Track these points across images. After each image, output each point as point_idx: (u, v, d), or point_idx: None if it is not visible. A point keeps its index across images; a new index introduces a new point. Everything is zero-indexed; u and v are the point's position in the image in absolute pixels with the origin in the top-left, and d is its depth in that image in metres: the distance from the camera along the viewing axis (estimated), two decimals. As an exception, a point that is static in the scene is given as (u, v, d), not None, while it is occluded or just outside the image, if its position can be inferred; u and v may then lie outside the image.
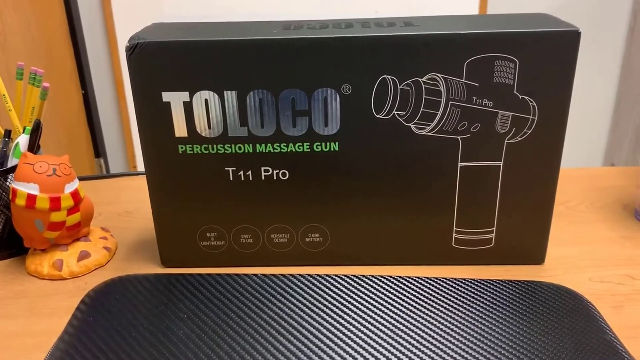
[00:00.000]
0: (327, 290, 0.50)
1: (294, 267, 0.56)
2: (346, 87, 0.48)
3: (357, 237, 0.54)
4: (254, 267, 0.56)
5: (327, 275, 0.52)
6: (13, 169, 0.56)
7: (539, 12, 0.53)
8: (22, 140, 0.58)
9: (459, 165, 0.51)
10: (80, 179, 0.75)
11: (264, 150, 0.51)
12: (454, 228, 0.54)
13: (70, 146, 1.60)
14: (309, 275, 0.52)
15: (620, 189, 0.72)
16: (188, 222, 0.54)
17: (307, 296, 0.49)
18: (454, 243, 0.54)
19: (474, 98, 0.48)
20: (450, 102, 0.48)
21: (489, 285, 0.50)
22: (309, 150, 0.50)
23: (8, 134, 0.59)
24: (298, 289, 0.50)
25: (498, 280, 0.51)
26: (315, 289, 0.50)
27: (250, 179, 0.52)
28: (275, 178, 0.52)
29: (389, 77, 0.48)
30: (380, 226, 0.54)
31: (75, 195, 0.54)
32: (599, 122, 1.95)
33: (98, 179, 0.78)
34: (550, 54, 0.47)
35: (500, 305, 0.48)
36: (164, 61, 0.47)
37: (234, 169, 0.51)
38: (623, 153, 1.92)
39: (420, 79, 0.48)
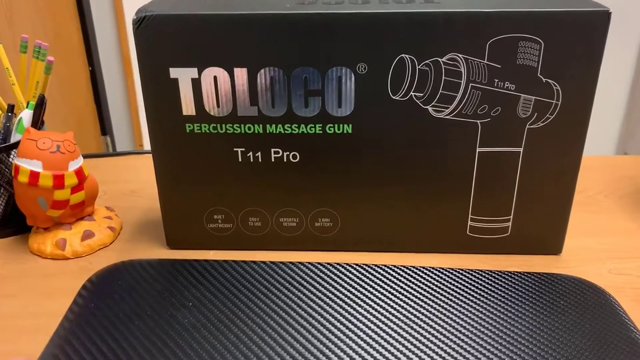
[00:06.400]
0: (337, 279, 0.48)
1: (303, 251, 0.54)
2: (362, 67, 0.46)
3: (368, 223, 0.53)
4: (262, 251, 0.54)
5: (337, 263, 0.50)
6: (16, 144, 0.54)
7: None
8: (26, 115, 0.56)
9: (477, 150, 0.49)
10: (85, 156, 0.73)
11: (274, 131, 0.49)
12: (470, 215, 0.52)
13: (76, 123, 1.58)
14: (318, 263, 0.50)
15: (640, 178, 0.69)
16: (195, 204, 0.52)
17: (317, 285, 0.47)
18: (468, 231, 0.53)
19: (496, 80, 0.46)
20: (470, 84, 0.46)
21: (505, 277, 0.49)
22: (321, 132, 0.49)
23: (11, 108, 0.58)
24: (308, 277, 0.48)
25: (515, 272, 0.49)
26: (325, 277, 0.48)
27: (260, 160, 0.50)
28: (285, 160, 0.50)
29: (407, 56, 0.45)
30: (393, 212, 0.52)
31: (79, 173, 0.52)
32: (612, 110, 1.92)
33: (103, 156, 0.77)
34: (577, 35, 0.44)
35: (518, 298, 0.46)
36: (172, 35, 0.45)
37: (243, 149, 0.50)
38: (637, 141, 1.89)
39: (440, 59, 0.45)
